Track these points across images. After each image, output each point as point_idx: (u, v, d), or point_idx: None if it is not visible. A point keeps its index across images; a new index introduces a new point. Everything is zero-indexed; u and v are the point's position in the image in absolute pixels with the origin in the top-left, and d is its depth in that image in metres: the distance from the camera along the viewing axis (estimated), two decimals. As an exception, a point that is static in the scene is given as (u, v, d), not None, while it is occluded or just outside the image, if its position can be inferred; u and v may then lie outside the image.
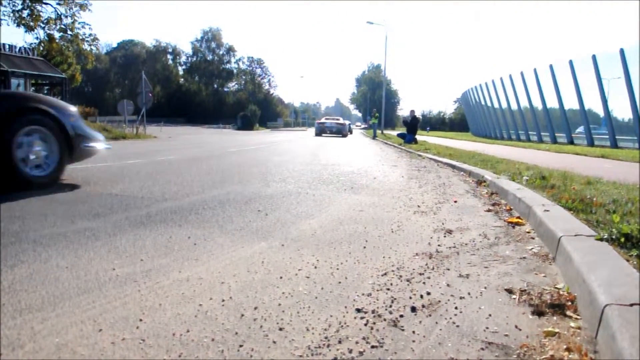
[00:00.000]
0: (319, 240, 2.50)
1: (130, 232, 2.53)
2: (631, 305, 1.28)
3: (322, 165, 7.30)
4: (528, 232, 2.76)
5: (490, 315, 1.54)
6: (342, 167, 6.99)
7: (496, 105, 29.16)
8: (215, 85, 69.64)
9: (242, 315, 1.48)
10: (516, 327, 1.45)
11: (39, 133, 4.01)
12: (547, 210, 2.78)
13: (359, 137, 27.21)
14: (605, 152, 12.45)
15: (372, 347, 1.30)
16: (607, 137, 17.30)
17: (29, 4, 23.09)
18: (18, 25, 23.33)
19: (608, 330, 1.22)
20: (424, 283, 1.85)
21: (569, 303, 1.60)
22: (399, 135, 18.63)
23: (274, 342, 1.31)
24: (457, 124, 62.07)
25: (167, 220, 2.84)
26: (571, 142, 19.55)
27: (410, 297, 1.69)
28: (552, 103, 21.54)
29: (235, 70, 71.03)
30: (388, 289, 1.77)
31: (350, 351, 1.27)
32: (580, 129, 19.29)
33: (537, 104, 23.06)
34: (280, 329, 1.39)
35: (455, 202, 3.96)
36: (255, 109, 53.01)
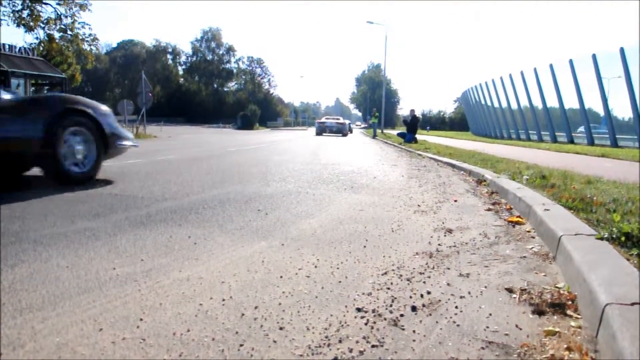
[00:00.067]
0: (319, 240, 2.50)
1: (130, 231, 2.53)
2: (632, 304, 1.28)
3: (322, 164, 7.30)
4: (528, 231, 2.76)
5: (490, 314, 1.54)
6: (342, 167, 6.99)
7: (496, 104, 29.17)
8: (215, 85, 69.66)
9: (243, 314, 1.48)
10: (516, 326, 1.45)
11: (81, 133, 4.33)
12: (548, 210, 2.78)
13: (359, 137, 27.22)
14: (606, 151, 12.46)
15: (373, 346, 1.30)
16: (608, 136, 17.31)
17: (29, 4, 23.09)
18: (18, 26, 23.35)
19: (609, 330, 1.22)
20: (424, 282, 1.85)
21: (570, 302, 1.60)
22: (399, 134, 18.63)
23: (275, 341, 1.31)
24: (457, 124, 62.08)
25: (167, 220, 2.84)
26: (571, 142, 19.55)
27: (411, 297, 1.69)
28: (552, 102, 21.56)
29: (235, 70, 71.10)
30: (388, 288, 1.77)
31: (351, 350, 1.27)
32: (581, 128, 19.29)
33: (537, 103, 23.08)
34: (281, 329, 1.39)
35: (456, 201, 3.96)
36: (255, 108, 53.02)
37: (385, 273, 1.96)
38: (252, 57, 71.63)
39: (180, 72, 70.13)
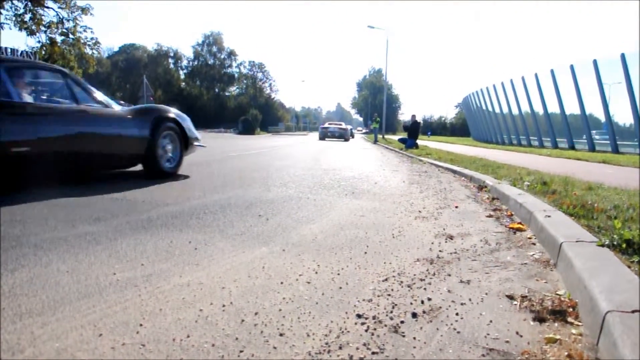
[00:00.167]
0: (320, 246, 2.50)
1: (131, 236, 2.53)
2: (633, 312, 1.28)
3: (324, 170, 7.31)
4: (529, 238, 2.76)
5: (491, 321, 1.54)
6: (343, 172, 6.99)
7: (497, 110, 29.19)
8: (217, 90, 69.80)
9: (243, 320, 1.48)
10: (517, 333, 1.44)
11: (171, 136, 5.40)
12: (549, 216, 2.78)
13: (360, 142, 27.26)
14: (607, 157, 12.45)
15: (373, 353, 1.30)
16: (608, 142, 17.32)
17: (31, 7, 23.18)
18: (20, 29, 23.41)
19: (609, 337, 1.22)
20: (425, 289, 1.85)
21: (570, 309, 1.60)
22: (400, 140, 18.63)
23: (275, 347, 1.31)
24: (458, 129, 62.18)
25: (168, 225, 2.84)
26: (572, 147, 19.56)
27: (411, 303, 1.69)
28: (553, 108, 21.57)
29: (236, 75, 71.22)
30: (389, 295, 1.77)
31: (351, 357, 1.27)
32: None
33: (538, 108, 23.10)
34: (281, 335, 1.39)
35: (457, 207, 3.95)
36: (256, 113, 53.04)
37: (386, 279, 1.96)
38: (253, 62, 71.90)
39: (182, 77, 70.32)
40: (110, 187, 4.33)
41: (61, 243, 2.32)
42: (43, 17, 24.00)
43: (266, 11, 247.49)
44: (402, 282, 1.93)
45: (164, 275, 1.90)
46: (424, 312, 1.61)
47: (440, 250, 2.47)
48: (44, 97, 4.40)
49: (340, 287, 1.84)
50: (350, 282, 1.91)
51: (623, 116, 16.94)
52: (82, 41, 25.58)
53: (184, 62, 70.01)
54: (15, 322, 1.40)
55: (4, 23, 22.12)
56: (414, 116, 17.94)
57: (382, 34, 46.65)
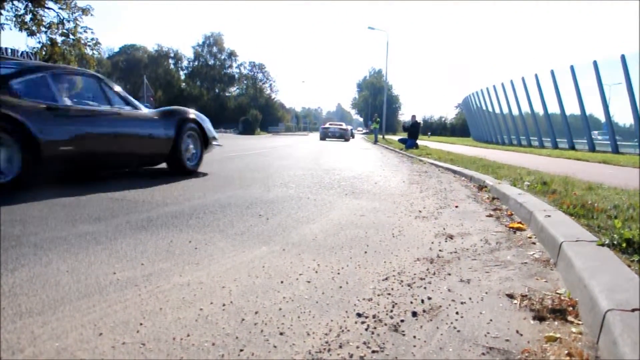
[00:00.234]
0: (320, 245, 2.50)
1: (131, 236, 2.53)
2: (633, 310, 1.28)
3: (324, 170, 7.31)
4: (529, 238, 2.76)
5: (491, 320, 1.54)
6: (344, 172, 6.99)
7: (497, 110, 29.19)
8: (217, 90, 69.82)
9: (243, 319, 1.48)
10: (517, 332, 1.44)
11: (192, 136, 5.81)
12: (549, 216, 2.78)
13: (360, 142, 27.26)
14: (607, 157, 12.45)
15: (373, 351, 1.30)
16: (609, 142, 17.32)
17: (32, 8, 23.18)
18: (20, 30, 23.41)
19: (609, 336, 1.22)
20: (425, 288, 1.85)
21: (570, 308, 1.60)
22: (400, 140, 18.62)
23: (275, 346, 1.31)
24: (458, 129, 62.22)
25: (168, 225, 2.84)
26: (572, 148, 19.55)
27: (411, 302, 1.69)
28: (554, 108, 21.57)
29: (236, 75, 71.27)
30: (389, 294, 1.77)
31: (351, 356, 1.27)
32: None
33: (538, 109, 23.09)
34: (281, 334, 1.39)
35: (457, 207, 3.95)
36: (256, 113, 53.04)
37: (386, 278, 1.96)
38: (253, 62, 71.97)
39: (182, 77, 70.34)
40: (111, 187, 4.33)
41: (61, 243, 2.32)
42: (43, 17, 24.00)
43: (266, 12, 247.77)
44: (402, 281, 1.93)
45: (164, 274, 1.90)
46: (424, 311, 1.61)
47: (440, 250, 2.47)
48: (83, 100, 4.65)
49: (341, 286, 1.84)
50: (351, 281, 1.91)
51: (623, 116, 16.98)
52: (82, 42, 25.57)
53: (185, 63, 70.18)
54: (15, 321, 1.40)
55: (4, 24, 22.11)
56: (414, 116, 17.94)
57: (383, 35, 46.69)
